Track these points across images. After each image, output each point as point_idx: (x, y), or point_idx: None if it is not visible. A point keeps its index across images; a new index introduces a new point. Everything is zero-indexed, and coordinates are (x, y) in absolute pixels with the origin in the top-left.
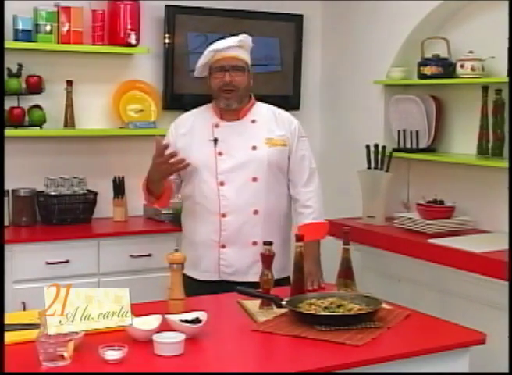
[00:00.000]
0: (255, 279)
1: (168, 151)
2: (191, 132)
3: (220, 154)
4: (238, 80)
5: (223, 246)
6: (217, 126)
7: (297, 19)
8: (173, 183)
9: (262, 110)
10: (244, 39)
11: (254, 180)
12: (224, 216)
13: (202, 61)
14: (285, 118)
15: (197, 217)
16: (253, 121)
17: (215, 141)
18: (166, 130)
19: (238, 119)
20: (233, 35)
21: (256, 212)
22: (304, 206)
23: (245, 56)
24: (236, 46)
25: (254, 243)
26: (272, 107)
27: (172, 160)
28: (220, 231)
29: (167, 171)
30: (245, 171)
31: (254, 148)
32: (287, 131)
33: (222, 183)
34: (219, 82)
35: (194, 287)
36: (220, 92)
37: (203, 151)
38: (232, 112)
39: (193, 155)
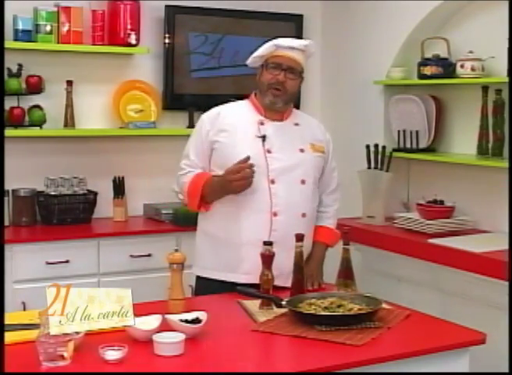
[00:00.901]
0: None
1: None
2: (233, 127)
3: (269, 152)
4: (290, 83)
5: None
6: (262, 123)
7: (297, 19)
8: None
9: (302, 116)
10: (310, 45)
11: (303, 182)
12: (275, 214)
13: (261, 52)
14: (321, 127)
15: (242, 216)
16: (296, 124)
17: (264, 137)
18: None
19: (282, 120)
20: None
21: (304, 215)
22: (321, 211)
23: (304, 62)
24: (299, 49)
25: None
26: (309, 116)
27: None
28: (270, 231)
29: (243, 187)
30: (295, 172)
31: (302, 150)
32: (324, 140)
33: (272, 182)
34: (272, 79)
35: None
36: (269, 88)
37: (251, 148)
38: (275, 112)
39: (239, 151)
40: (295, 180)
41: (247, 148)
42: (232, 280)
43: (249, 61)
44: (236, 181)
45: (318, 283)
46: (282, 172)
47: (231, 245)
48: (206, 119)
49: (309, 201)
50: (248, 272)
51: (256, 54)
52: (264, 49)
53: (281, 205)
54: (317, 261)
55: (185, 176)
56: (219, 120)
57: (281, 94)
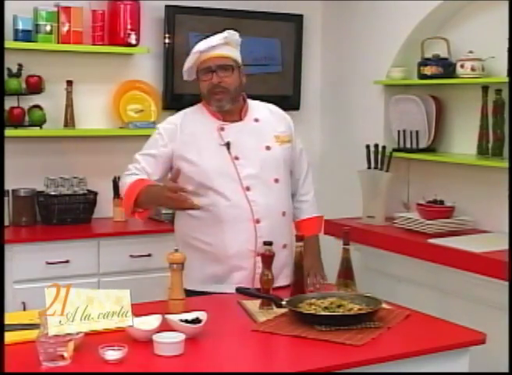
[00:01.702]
0: (285, 282)
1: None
2: (194, 137)
3: (237, 158)
4: (227, 81)
5: (259, 254)
6: (222, 129)
7: (297, 19)
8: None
9: (259, 107)
10: (230, 35)
11: (276, 181)
12: (258, 221)
13: (188, 64)
14: (280, 113)
15: (225, 228)
16: (256, 120)
17: (228, 145)
18: None
19: (241, 120)
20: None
21: (284, 213)
22: (300, 201)
23: (233, 54)
24: (221, 44)
25: (284, 246)
26: (263, 103)
27: (186, 196)
28: (256, 238)
29: (174, 206)
30: (266, 173)
31: (268, 148)
32: (287, 127)
33: (248, 189)
34: (208, 85)
35: None
36: (210, 94)
37: (216, 158)
38: (232, 113)
39: (206, 162)
40: (268, 181)
41: (213, 158)
42: (224, 292)
43: (184, 77)
44: (171, 199)
45: (321, 275)
46: (254, 177)
47: (217, 258)
48: (163, 131)
49: (285, 198)
50: (240, 281)
51: (185, 68)
52: (190, 60)
53: (262, 212)
54: (315, 255)
55: (128, 177)
56: (178, 133)
57: (224, 96)
